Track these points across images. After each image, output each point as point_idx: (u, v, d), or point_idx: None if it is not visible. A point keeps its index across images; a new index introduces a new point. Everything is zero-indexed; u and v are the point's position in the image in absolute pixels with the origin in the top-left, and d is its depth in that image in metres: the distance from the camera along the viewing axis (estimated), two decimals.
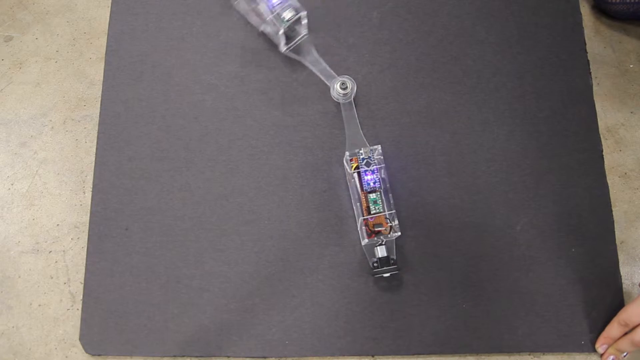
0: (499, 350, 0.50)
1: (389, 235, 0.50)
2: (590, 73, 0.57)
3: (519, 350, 0.50)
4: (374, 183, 0.51)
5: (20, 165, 0.56)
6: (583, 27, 0.58)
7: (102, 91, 0.58)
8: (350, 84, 0.55)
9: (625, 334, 0.49)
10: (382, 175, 0.52)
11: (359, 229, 0.52)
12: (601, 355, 0.50)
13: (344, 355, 0.50)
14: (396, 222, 0.50)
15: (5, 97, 0.58)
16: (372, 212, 0.50)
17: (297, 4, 0.54)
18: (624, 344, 0.49)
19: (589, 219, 0.53)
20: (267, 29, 0.56)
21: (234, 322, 0.51)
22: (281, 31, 0.54)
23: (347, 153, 0.53)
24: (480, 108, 0.56)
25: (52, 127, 0.57)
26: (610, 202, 0.54)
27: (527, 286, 0.51)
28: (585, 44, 0.58)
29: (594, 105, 0.56)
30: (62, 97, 0.59)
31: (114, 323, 0.51)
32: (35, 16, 0.61)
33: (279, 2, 0.54)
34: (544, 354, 0.50)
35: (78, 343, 0.51)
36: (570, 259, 0.52)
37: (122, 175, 0.55)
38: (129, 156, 0.56)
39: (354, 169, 0.52)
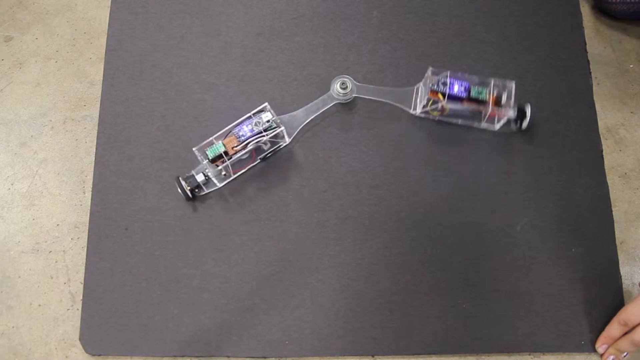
0: (499, 351, 0.50)
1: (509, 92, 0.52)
2: (590, 73, 0.57)
3: (519, 350, 0.50)
4: (465, 87, 0.51)
5: (20, 165, 0.56)
6: (583, 27, 0.58)
7: (102, 91, 0.58)
8: (350, 84, 0.55)
9: (626, 333, 0.49)
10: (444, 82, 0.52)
11: (491, 122, 0.53)
12: (601, 355, 0.50)
13: (343, 355, 0.50)
14: (498, 80, 0.52)
15: (5, 97, 0.58)
16: (487, 100, 0.51)
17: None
18: (624, 343, 0.49)
19: (589, 219, 0.53)
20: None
21: (234, 322, 0.51)
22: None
23: (412, 110, 0.54)
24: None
25: (52, 127, 0.57)
26: (610, 202, 0.54)
27: (527, 286, 0.51)
28: (585, 44, 0.58)
29: (594, 105, 0.56)
30: (62, 97, 0.59)
31: (113, 323, 0.51)
32: (35, 16, 0.61)
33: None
34: (544, 354, 0.50)
35: (78, 343, 0.51)
36: (570, 259, 0.52)
37: (122, 175, 0.55)
38: (129, 156, 0.56)
39: (444, 97, 0.51)
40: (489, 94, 0.51)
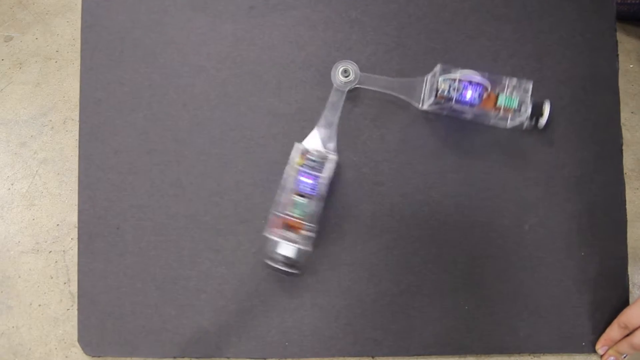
0: (499, 352, 0.50)
1: (296, 240, 0.46)
2: (617, 55, 0.52)
3: (519, 351, 0.50)
4: (308, 189, 0.46)
5: (20, 165, 0.55)
6: (615, 3, 0.52)
7: (80, 74, 0.52)
8: (354, 70, 0.50)
9: (627, 336, 0.49)
10: (320, 188, 0.47)
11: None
12: (601, 356, 0.50)
13: (343, 356, 0.50)
14: (312, 235, 0.46)
15: (5, 97, 0.57)
16: (289, 213, 0.46)
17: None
18: (624, 346, 0.49)
19: (601, 218, 0.51)
20: None
21: (233, 324, 0.50)
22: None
23: (299, 145, 0.48)
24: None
25: (52, 127, 0.56)
26: (625, 201, 0.51)
27: (532, 287, 0.50)
28: (615, 22, 0.52)
29: (618, 93, 0.51)
30: (62, 97, 0.58)
31: (111, 324, 0.50)
32: (35, 16, 0.60)
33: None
34: (544, 354, 0.51)
35: (78, 343, 0.51)
36: (578, 259, 0.51)
37: (108, 169, 0.52)
38: (115, 149, 0.52)
39: (299, 165, 0.47)
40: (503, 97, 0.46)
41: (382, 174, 0.51)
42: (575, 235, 0.51)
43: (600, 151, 0.51)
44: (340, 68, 0.50)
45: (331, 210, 0.51)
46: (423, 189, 0.51)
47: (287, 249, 0.47)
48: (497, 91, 0.47)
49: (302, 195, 0.46)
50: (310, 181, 0.47)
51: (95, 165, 0.52)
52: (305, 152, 0.48)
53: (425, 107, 0.49)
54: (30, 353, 0.51)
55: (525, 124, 0.48)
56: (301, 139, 0.51)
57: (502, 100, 0.46)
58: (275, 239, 0.46)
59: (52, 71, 0.59)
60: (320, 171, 0.47)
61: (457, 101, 0.46)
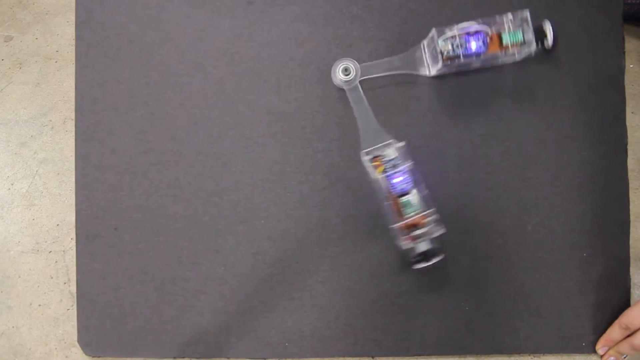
0: (500, 352, 0.50)
1: (428, 232, 0.46)
2: (624, 52, 0.50)
3: (519, 351, 0.50)
4: (404, 185, 0.46)
5: (20, 165, 0.55)
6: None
7: (76, 72, 0.51)
8: (354, 68, 0.49)
9: (627, 336, 0.49)
10: (411, 177, 0.47)
11: (396, 234, 0.48)
12: (601, 356, 0.50)
13: (343, 356, 0.50)
14: (435, 217, 0.46)
15: (5, 97, 0.57)
16: (405, 216, 0.46)
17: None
18: (625, 347, 0.48)
19: (604, 219, 0.50)
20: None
21: (233, 324, 0.50)
22: None
23: (364, 153, 0.48)
24: (497, 93, 0.50)
25: (52, 127, 0.56)
26: (628, 201, 0.50)
27: (533, 288, 0.50)
28: (622, 17, 0.50)
29: (624, 91, 0.50)
30: (62, 97, 0.57)
31: (110, 325, 0.50)
32: (35, 16, 0.59)
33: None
34: (544, 355, 0.50)
35: (78, 344, 0.51)
36: (580, 260, 0.50)
37: (105, 169, 0.51)
38: (112, 148, 0.51)
39: (380, 172, 0.47)
40: (413, 214, 0.46)
41: None
42: (577, 235, 0.50)
43: (605, 151, 0.50)
44: (340, 66, 0.49)
45: (331, 211, 0.50)
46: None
47: (423, 245, 0.46)
48: (498, 31, 0.46)
49: (403, 195, 0.46)
50: (400, 178, 0.46)
51: (92, 165, 0.51)
52: (375, 159, 0.47)
53: (434, 72, 0.48)
54: (30, 353, 0.51)
55: (534, 51, 0.47)
56: (300, 137, 0.50)
57: (506, 39, 0.46)
58: (412, 244, 0.46)
59: (52, 71, 0.58)
60: (401, 163, 0.47)
61: (464, 56, 0.46)
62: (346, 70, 0.49)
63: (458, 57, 0.46)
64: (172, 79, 0.51)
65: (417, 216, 0.46)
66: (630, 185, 0.51)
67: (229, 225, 0.51)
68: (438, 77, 0.50)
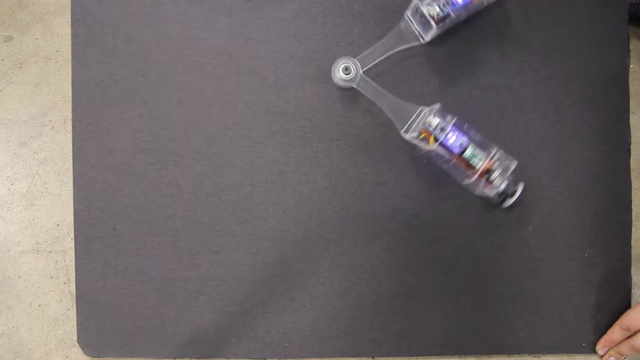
0: (500, 352, 0.50)
1: (503, 170, 0.46)
2: (629, 51, 0.50)
3: (519, 352, 0.50)
4: (461, 141, 0.45)
5: (20, 165, 0.55)
6: None
7: (72, 70, 0.51)
8: (354, 68, 0.48)
9: (628, 337, 0.49)
10: (461, 131, 0.46)
11: (473, 187, 0.47)
12: (601, 356, 0.50)
13: (343, 357, 0.50)
14: (501, 153, 0.46)
15: (5, 97, 0.57)
16: (476, 167, 0.45)
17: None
18: (625, 348, 0.48)
19: (606, 219, 0.50)
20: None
21: (233, 325, 0.50)
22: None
23: (406, 133, 0.47)
24: (498, 92, 0.50)
25: (52, 127, 0.56)
26: (631, 202, 0.50)
27: (534, 288, 0.50)
28: (627, 15, 0.50)
29: (628, 91, 0.50)
30: (62, 97, 0.57)
31: (110, 325, 0.50)
32: (35, 16, 0.59)
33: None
34: (544, 355, 0.50)
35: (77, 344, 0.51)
36: (581, 261, 0.50)
37: (103, 169, 0.50)
38: (109, 148, 0.51)
39: (435, 143, 0.46)
40: (482, 163, 0.45)
41: (384, 174, 0.50)
42: (578, 236, 0.50)
43: (608, 151, 0.50)
44: (340, 65, 0.48)
45: (332, 211, 0.50)
46: (426, 188, 0.50)
47: (503, 185, 0.46)
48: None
49: (464, 151, 0.45)
50: (454, 137, 0.45)
51: (90, 165, 0.51)
52: (421, 133, 0.46)
53: (429, 38, 0.48)
54: (30, 353, 0.51)
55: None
56: (299, 137, 0.50)
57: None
58: (491, 190, 0.46)
59: (52, 71, 0.58)
60: (447, 123, 0.46)
61: (454, 12, 0.46)
62: (346, 70, 0.48)
63: (449, 15, 0.46)
64: (170, 77, 0.51)
65: (485, 162, 0.45)
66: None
67: (228, 225, 0.50)
68: (439, 76, 0.50)
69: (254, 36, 0.51)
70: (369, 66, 0.49)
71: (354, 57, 0.49)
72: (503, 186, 0.46)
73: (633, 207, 0.51)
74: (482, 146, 0.46)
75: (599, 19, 0.50)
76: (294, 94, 0.50)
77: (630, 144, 0.50)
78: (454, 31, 0.49)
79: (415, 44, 0.49)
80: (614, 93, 0.50)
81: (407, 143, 0.50)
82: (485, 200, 0.50)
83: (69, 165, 0.54)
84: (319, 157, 0.50)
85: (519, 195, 0.46)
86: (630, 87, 0.50)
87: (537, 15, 0.50)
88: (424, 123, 0.46)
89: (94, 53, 0.51)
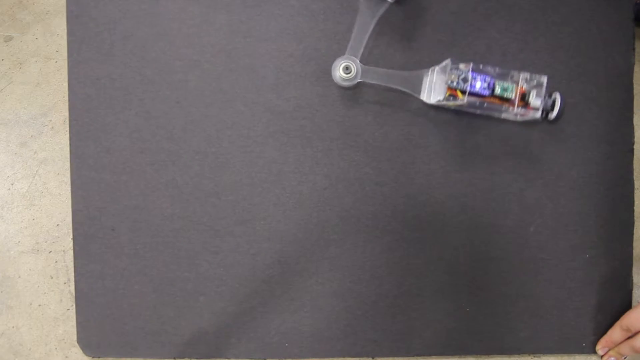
0: (500, 352, 0.50)
1: (537, 88, 0.45)
2: (634, 49, 0.49)
3: (519, 352, 0.50)
4: (488, 81, 0.44)
5: (20, 165, 0.55)
6: None
7: (68, 69, 0.50)
8: (355, 67, 0.47)
9: (628, 338, 0.49)
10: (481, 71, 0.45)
11: (516, 116, 0.46)
12: (601, 357, 0.50)
13: (343, 357, 0.50)
14: (526, 74, 0.45)
15: (5, 97, 0.56)
16: (512, 99, 0.44)
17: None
18: (626, 348, 0.48)
19: (608, 219, 0.50)
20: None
21: (233, 325, 0.50)
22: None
23: (433, 100, 0.46)
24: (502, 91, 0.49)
25: (52, 127, 0.56)
26: (633, 202, 0.50)
27: (534, 289, 0.50)
28: (632, 13, 0.49)
29: (632, 90, 0.49)
30: (62, 97, 0.57)
31: (110, 325, 0.50)
32: (35, 16, 0.59)
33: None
34: (544, 355, 0.50)
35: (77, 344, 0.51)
36: (582, 261, 0.50)
37: (101, 169, 0.50)
38: (107, 147, 0.50)
39: (463, 95, 0.44)
40: (515, 91, 0.44)
41: (385, 174, 0.50)
42: (580, 236, 0.50)
43: (611, 151, 0.49)
44: (341, 64, 0.47)
45: (332, 211, 0.50)
46: (426, 189, 0.49)
47: (541, 102, 0.45)
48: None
49: (493, 89, 0.44)
50: (479, 81, 0.44)
51: (88, 165, 0.50)
52: (447, 91, 0.45)
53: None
54: (30, 353, 0.51)
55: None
56: (299, 137, 0.49)
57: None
58: (535, 112, 0.45)
59: (52, 71, 0.57)
60: (467, 72, 0.44)
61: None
62: (347, 69, 0.47)
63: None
64: (168, 76, 0.50)
65: (518, 89, 0.44)
66: None
67: (228, 225, 0.50)
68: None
69: (253, 34, 0.50)
70: (362, 49, 0.48)
71: (355, 58, 0.48)
72: (542, 103, 0.45)
73: (635, 207, 0.50)
74: (506, 77, 0.45)
75: (604, 17, 0.49)
76: (294, 93, 0.50)
77: (633, 144, 0.49)
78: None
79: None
80: (618, 92, 0.49)
81: (408, 142, 0.49)
82: (485, 200, 0.49)
83: (69, 165, 0.54)
84: (318, 157, 0.50)
85: (561, 104, 0.46)
86: (633, 87, 0.49)
87: (541, 12, 0.49)
88: (447, 82, 0.45)
89: (90, 51, 0.50)
